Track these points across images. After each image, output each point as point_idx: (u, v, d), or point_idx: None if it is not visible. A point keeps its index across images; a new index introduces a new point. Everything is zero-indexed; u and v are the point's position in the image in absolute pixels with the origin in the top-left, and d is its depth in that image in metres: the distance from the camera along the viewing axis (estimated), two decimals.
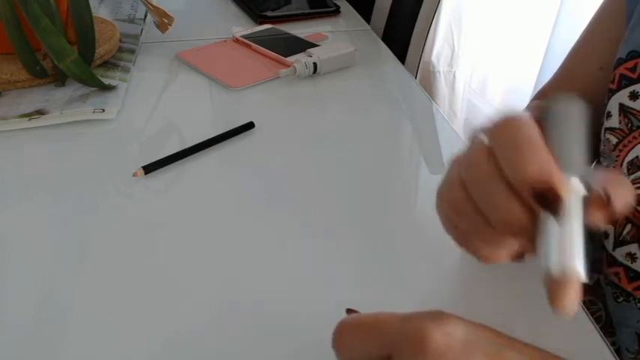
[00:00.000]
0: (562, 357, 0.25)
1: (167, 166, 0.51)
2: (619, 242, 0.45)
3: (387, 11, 0.97)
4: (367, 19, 0.95)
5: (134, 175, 0.49)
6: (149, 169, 0.50)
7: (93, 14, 0.64)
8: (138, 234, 0.45)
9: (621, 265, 0.45)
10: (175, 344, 0.36)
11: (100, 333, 0.36)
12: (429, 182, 0.54)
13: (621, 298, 0.46)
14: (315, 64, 0.69)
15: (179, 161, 0.52)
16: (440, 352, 0.22)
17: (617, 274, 0.46)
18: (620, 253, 0.45)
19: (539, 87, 1.74)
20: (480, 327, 0.24)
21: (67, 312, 0.38)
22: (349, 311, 0.28)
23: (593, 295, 0.51)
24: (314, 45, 0.74)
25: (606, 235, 0.46)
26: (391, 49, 0.81)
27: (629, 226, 0.44)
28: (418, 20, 0.91)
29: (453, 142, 0.58)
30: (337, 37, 0.82)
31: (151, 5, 0.70)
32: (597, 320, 0.50)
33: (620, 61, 0.44)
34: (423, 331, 0.22)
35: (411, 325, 0.23)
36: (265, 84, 0.68)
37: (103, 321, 0.37)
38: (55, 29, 0.58)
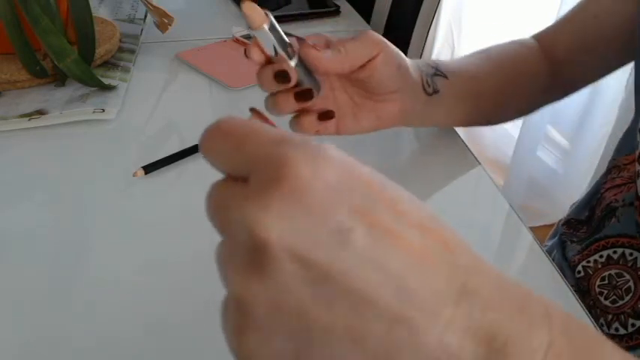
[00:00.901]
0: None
1: (167, 166, 0.51)
2: None
3: (387, 11, 0.97)
4: (367, 19, 0.95)
5: (134, 175, 0.49)
6: (149, 169, 0.50)
7: (93, 14, 0.63)
8: (138, 234, 0.45)
9: None
10: (178, 344, 0.36)
11: (101, 333, 0.36)
12: (429, 181, 0.54)
13: None
14: None
15: (179, 161, 0.52)
16: (296, 192, 0.18)
17: None
18: None
19: None
20: (363, 175, 0.19)
21: (67, 312, 0.38)
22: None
23: (619, 268, 0.51)
24: None
25: None
26: None
27: None
28: (418, 20, 0.91)
29: (453, 142, 0.58)
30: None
31: (151, 5, 0.70)
32: (627, 291, 0.49)
33: None
34: (286, 161, 0.18)
35: (279, 149, 0.18)
36: None
37: (104, 320, 0.37)
38: (55, 29, 0.58)
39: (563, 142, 1.65)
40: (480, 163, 0.55)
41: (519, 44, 0.60)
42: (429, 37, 0.93)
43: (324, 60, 0.40)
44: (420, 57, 0.92)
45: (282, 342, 0.18)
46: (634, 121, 0.52)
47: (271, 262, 0.18)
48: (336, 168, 0.18)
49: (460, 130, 0.60)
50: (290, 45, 0.38)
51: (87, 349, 0.35)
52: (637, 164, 0.48)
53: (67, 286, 0.40)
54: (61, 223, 0.45)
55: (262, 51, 0.38)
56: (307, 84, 0.40)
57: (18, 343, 0.35)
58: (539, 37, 0.61)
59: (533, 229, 0.48)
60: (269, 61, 0.39)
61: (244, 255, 0.18)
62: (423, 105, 0.48)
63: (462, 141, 0.58)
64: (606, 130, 1.39)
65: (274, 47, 0.37)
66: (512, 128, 1.75)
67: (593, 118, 1.46)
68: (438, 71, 0.50)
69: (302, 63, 0.40)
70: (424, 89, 0.48)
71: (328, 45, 0.42)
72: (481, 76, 0.54)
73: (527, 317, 0.19)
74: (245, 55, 0.38)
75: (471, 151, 0.57)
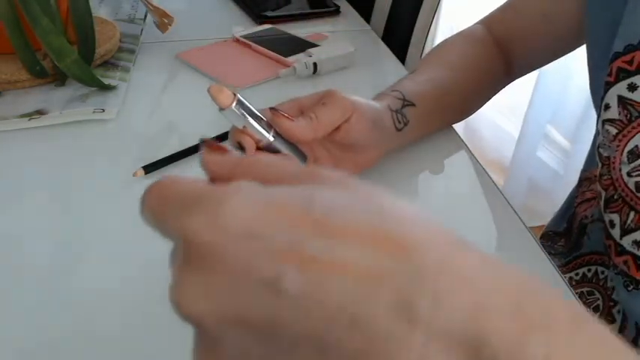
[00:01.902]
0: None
1: (167, 166, 0.51)
2: (625, 230, 0.46)
3: (387, 11, 0.97)
4: (367, 19, 0.95)
5: (134, 175, 0.49)
6: (149, 169, 0.50)
7: (93, 14, 0.64)
8: (138, 234, 0.45)
9: (629, 253, 0.46)
10: (178, 343, 0.36)
11: (101, 333, 0.36)
12: (429, 182, 0.54)
13: (631, 287, 0.46)
14: (315, 64, 0.69)
15: (179, 161, 0.52)
16: (205, 261, 0.17)
17: (625, 262, 0.46)
18: (627, 242, 0.46)
19: (538, 87, 1.73)
20: (278, 207, 0.17)
21: (67, 312, 0.38)
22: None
23: (591, 286, 0.51)
24: (314, 45, 0.74)
25: (612, 224, 0.47)
26: (391, 49, 0.81)
27: (632, 214, 0.45)
28: (418, 20, 0.91)
29: (453, 142, 0.58)
30: (337, 37, 0.82)
31: (151, 5, 0.70)
32: (595, 309, 0.50)
33: (617, 55, 0.45)
34: (186, 235, 0.17)
35: (180, 223, 0.18)
36: (265, 84, 0.68)
37: (104, 320, 0.37)
38: (55, 29, 0.58)
39: (563, 142, 1.65)
40: (479, 164, 0.55)
41: (474, 40, 0.61)
42: (429, 37, 0.93)
43: (297, 130, 0.40)
44: (420, 57, 0.92)
45: None
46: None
47: (213, 338, 0.17)
48: (245, 215, 0.17)
49: (460, 131, 0.60)
50: (263, 119, 0.39)
51: (87, 348, 0.35)
52: (598, 184, 0.48)
53: (67, 286, 0.40)
54: (60, 223, 0.45)
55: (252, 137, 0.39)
56: (291, 154, 0.41)
57: (17, 343, 0.35)
58: (490, 26, 0.62)
59: (533, 229, 0.48)
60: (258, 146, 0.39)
61: (195, 337, 0.19)
62: (395, 140, 0.50)
63: (462, 141, 0.58)
64: None
65: (247, 124, 0.38)
66: (512, 128, 1.75)
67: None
68: (406, 101, 0.50)
69: (279, 134, 0.40)
70: (395, 128, 0.49)
71: (301, 110, 0.42)
72: (447, 87, 0.55)
73: (519, 321, 0.15)
74: (239, 147, 0.39)
75: (470, 151, 0.57)
